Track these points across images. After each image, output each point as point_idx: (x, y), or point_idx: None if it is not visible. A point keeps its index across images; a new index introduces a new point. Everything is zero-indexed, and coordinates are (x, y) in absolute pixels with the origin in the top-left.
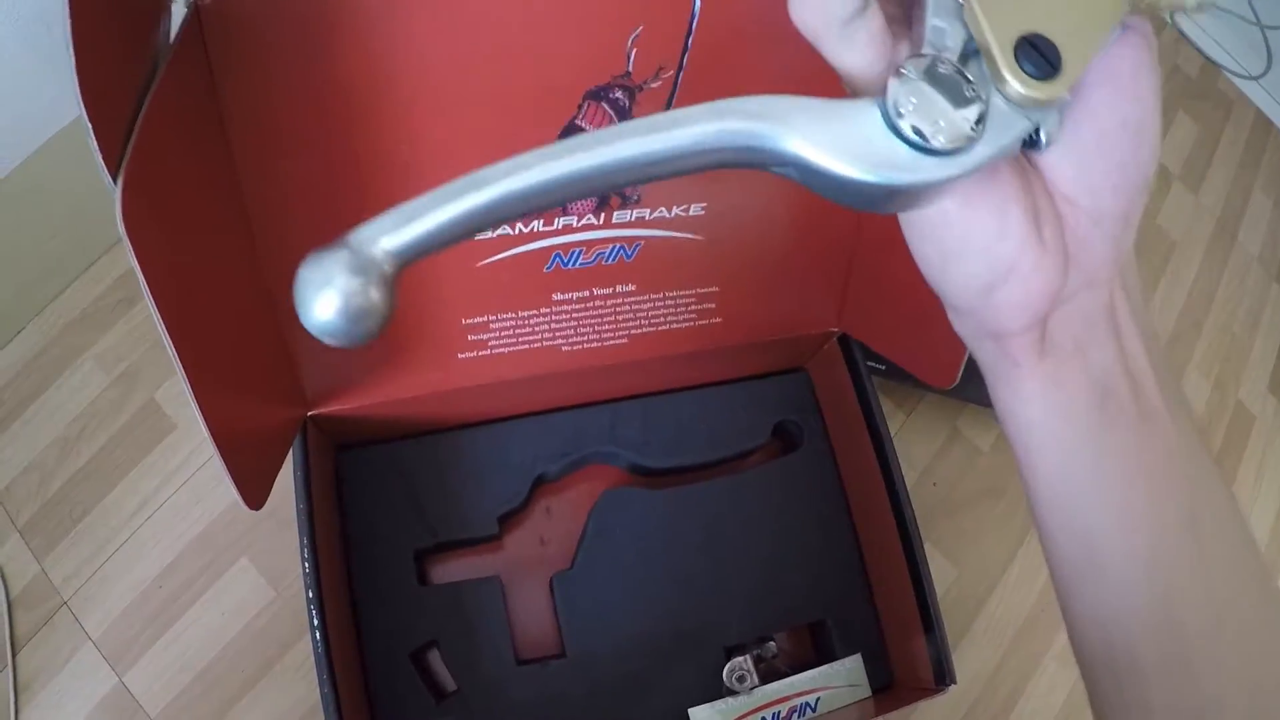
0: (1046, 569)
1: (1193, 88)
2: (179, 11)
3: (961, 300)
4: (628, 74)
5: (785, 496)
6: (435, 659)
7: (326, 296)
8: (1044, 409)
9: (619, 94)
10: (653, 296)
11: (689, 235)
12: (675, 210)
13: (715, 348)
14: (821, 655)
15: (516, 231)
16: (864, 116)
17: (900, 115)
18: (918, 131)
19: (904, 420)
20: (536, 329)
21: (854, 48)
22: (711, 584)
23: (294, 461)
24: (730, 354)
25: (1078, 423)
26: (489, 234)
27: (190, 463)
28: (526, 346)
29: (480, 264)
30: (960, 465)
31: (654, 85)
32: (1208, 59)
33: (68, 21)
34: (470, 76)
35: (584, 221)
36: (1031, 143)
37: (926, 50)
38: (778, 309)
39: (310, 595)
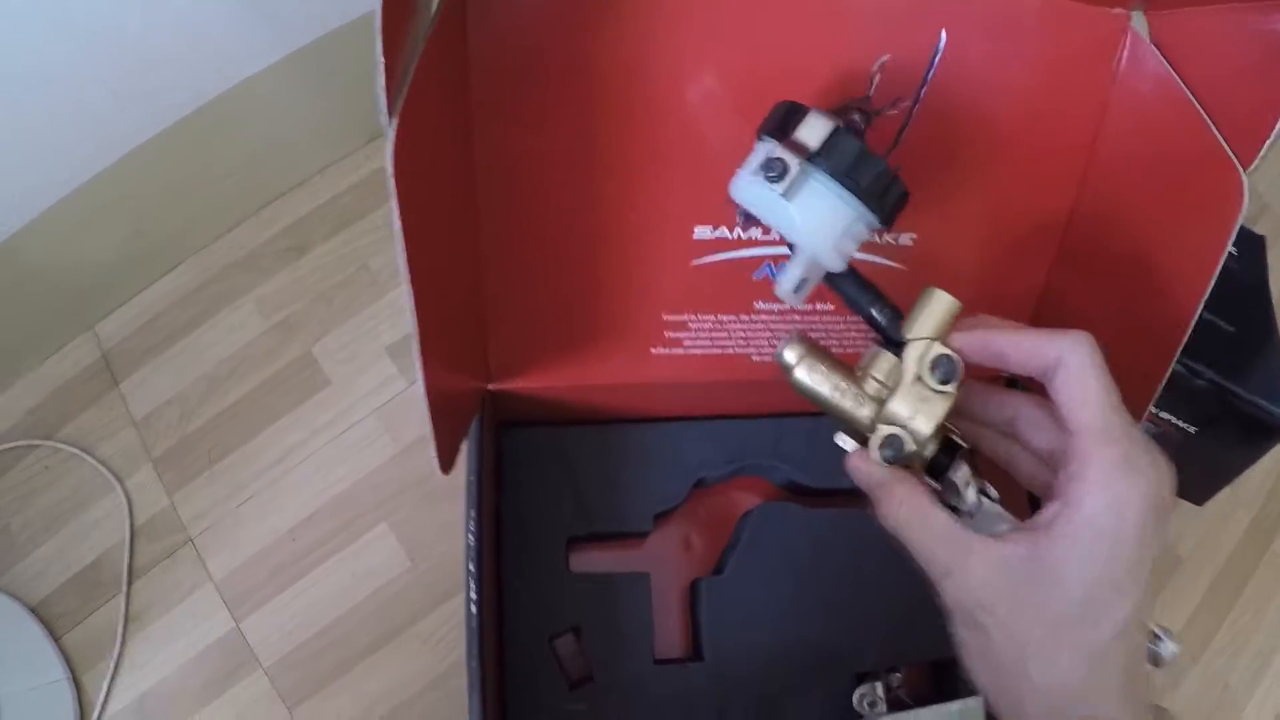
0: None
1: None
2: None
3: None
4: (868, 98)
5: None
6: (569, 645)
7: None
8: None
9: (856, 116)
10: (847, 318)
11: (894, 264)
12: (886, 237)
13: None
14: (942, 693)
15: (735, 236)
16: None
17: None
18: None
19: None
20: (733, 334)
21: None
22: (851, 609)
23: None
24: None
25: None
26: (709, 233)
27: (340, 421)
28: (720, 351)
29: (695, 262)
30: None
31: (891, 113)
32: None
33: None
34: (718, 78)
35: None
36: None
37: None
38: None
39: (471, 569)
